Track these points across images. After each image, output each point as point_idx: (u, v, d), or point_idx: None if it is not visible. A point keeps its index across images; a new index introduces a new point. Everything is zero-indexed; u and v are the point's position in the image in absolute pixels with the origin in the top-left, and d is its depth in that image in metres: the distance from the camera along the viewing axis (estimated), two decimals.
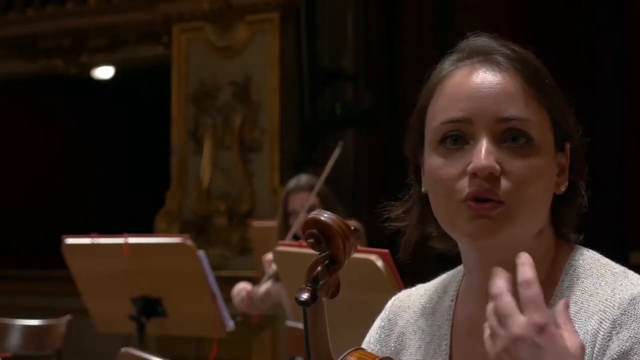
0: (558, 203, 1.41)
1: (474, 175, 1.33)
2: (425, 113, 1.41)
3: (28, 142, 9.31)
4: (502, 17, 7.27)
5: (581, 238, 1.45)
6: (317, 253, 1.25)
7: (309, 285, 1.22)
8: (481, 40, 1.43)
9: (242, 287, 4.33)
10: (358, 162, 7.16)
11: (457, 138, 1.36)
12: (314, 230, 1.24)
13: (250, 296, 4.29)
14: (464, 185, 1.34)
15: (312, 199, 4.21)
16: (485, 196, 1.33)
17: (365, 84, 7.28)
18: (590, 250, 1.44)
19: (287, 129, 7.13)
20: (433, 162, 1.38)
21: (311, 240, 1.24)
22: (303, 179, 4.38)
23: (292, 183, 4.38)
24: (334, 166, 4.40)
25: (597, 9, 7.32)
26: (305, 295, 1.21)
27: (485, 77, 1.37)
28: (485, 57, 1.39)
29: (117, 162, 9.82)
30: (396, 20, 7.56)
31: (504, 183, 1.33)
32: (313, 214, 1.25)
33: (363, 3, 7.37)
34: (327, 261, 1.23)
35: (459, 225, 1.36)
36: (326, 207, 4.20)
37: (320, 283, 1.22)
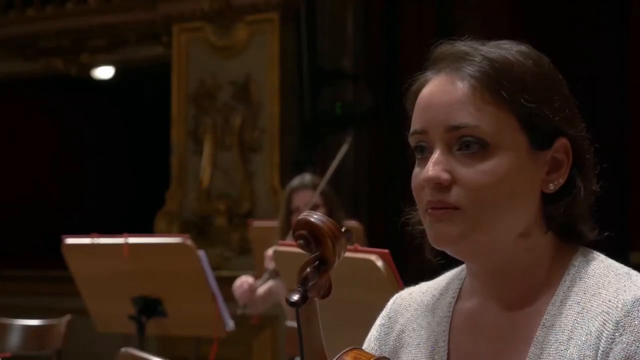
0: (552, 201, 1.40)
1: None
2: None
3: (28, 142, 9.31)
4: (502, 17, 7.27)
5: (595, 233, 1.43)
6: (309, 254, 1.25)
7: (299, 286, 1.23)
8: (450, 47, 1.44)
9: (244, 280, 4.31)
10: (358, 162, 7.15)
11: (423, 149, 1.41)
12: (304, 232, 1.25)
13: (252, 289, 4.27)
14: (426, 195, 1.38)
15: (316, 197, 4.21)
16: (438, 206, 1.36)
17: (365, 84, 7.28)
18: (595, 252, 1.44)
19: (287, 129, 7.12)
20: (414, 170, 1.43)
21: (301, 241, 1.25)
22: (307, 177, 4.39)
23: (296, 181, 4.39)
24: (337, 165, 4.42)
25: (597, 8, 7.32)
26: (295, 297, 1.22)
27: (439, 87, 1.40)
28: (448, 65, 1.41)
29: (117, 162, 9.82)
30: (396, 20, 7.55)
31: (456, 191, 1.36)
32: (303, 215, 1.26)
33: (363, 3, 7.36)
34: (317, 262, 1.24)
35: (427, 232, 1.40)
36: (329, 206, 4.21)
37: (310, 284, 1.23)
